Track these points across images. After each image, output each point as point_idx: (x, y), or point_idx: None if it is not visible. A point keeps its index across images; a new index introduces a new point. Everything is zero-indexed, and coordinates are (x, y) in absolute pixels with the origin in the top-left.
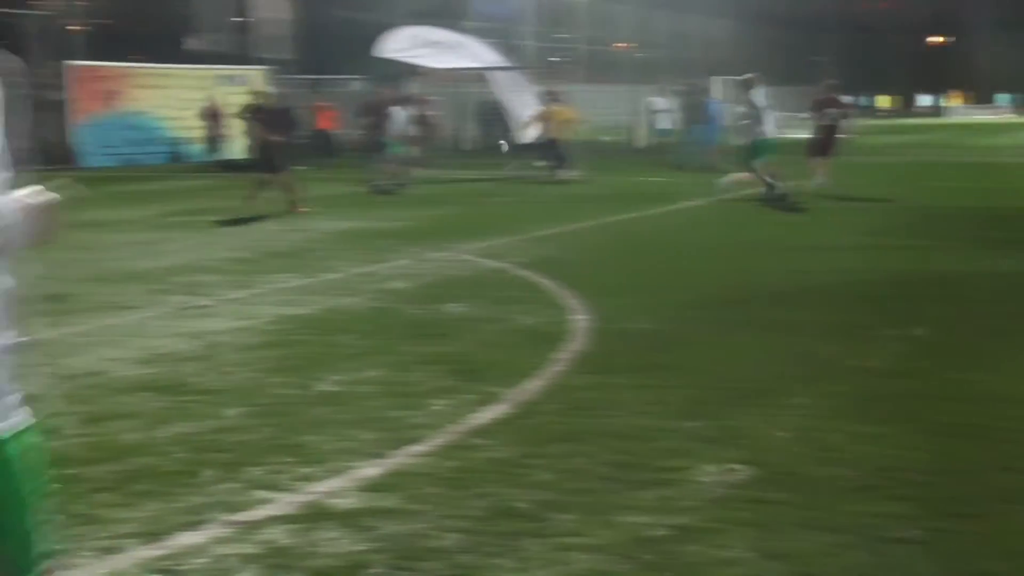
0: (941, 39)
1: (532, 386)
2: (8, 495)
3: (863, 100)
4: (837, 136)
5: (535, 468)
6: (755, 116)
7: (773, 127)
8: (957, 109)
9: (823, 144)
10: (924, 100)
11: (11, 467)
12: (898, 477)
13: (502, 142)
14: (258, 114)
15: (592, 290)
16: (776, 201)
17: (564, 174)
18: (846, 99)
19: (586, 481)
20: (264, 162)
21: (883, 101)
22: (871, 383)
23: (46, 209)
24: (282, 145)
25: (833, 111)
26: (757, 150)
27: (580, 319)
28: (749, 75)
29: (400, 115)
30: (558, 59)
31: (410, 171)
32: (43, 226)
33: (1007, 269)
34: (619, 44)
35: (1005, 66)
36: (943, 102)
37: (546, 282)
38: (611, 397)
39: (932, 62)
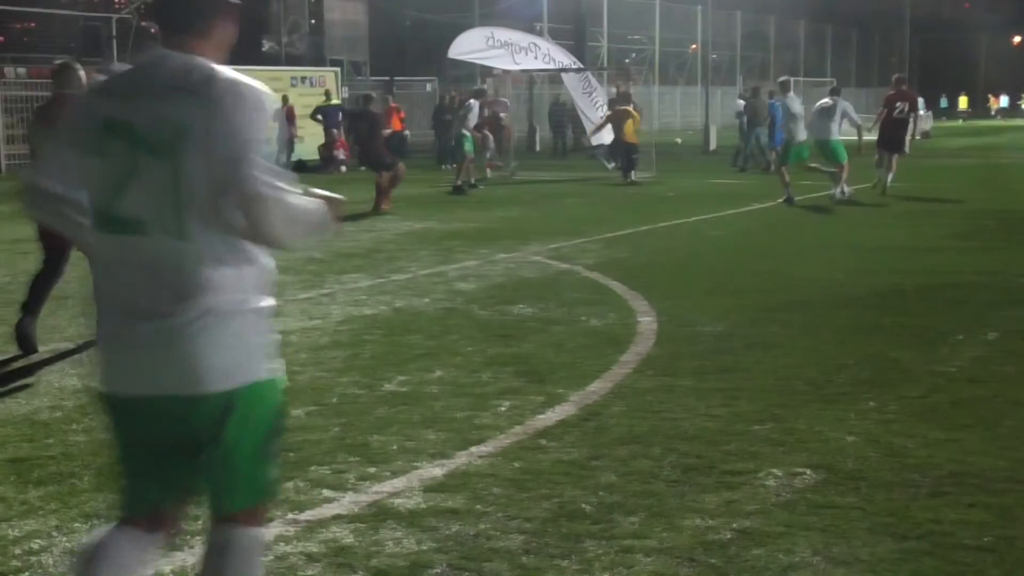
0: (1019, 39)
1: (598, 388)
2: (270, 425)
3: (943, 102)
4: (906, 133)
5: (600, 470)
6: (789, 118)
7: (802, 131)
8: None
9: (891, 139)
10: (1003, 101)
11: (277, 402)
12: (970, 483)
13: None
14: (358, 114)
15: (660, 292)
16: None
17: (636, 175)
18: (919, 99)
19: (651, 483)
20: (373, 161)
21: (963, 102)
22: (944, 387)
23: (335, 207)
24: (384, 143)
25: (902, 104)
26: (788, 151)
27: (648, 321)
28: (784, 78)
29: (476, 109)
30: (630, 61)
31: (485, 171)
32: (332, 222)
33: None
34: (694, 46)
35: None
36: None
37: (614, 284)
38: (678, 399)
39: (1015, 62)
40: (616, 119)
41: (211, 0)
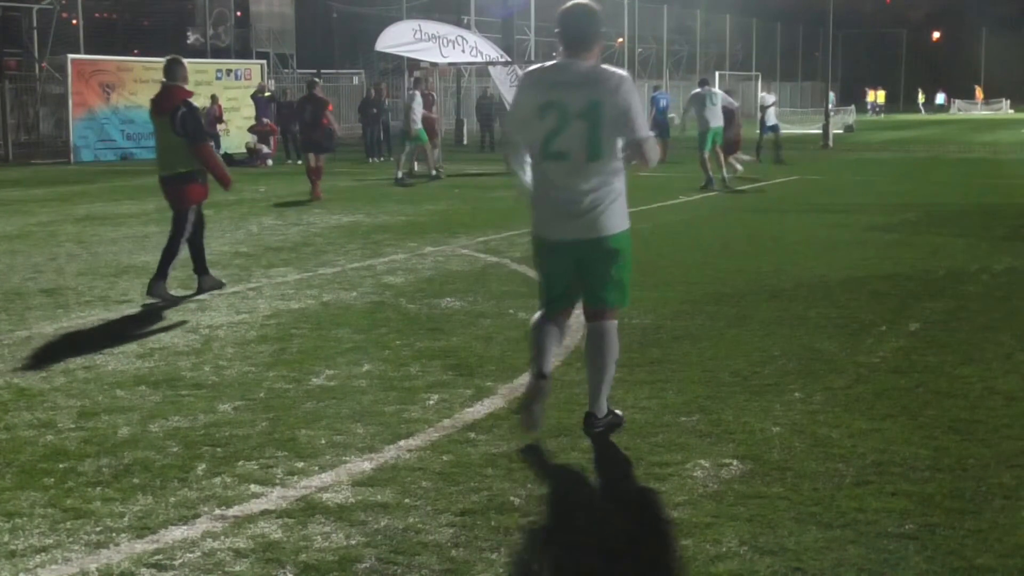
0: (938, 34)
1: (527, 381)
2: (630, 256)
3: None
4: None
5: (529, 463)
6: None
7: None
8: (955, 105)
9: (734, 145)
10: (920, 97)
11: (630, 243)
12: (894, 472)
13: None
14: (303, 98)
15: None
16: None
17: None
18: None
19: (580, 475)
20: (314, 145)
21: (880, 97)
22: (868, 378)
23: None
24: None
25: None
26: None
27: (576, 314)
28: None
29: (419, 98)
30: (557, 54)
31: (412, 165)
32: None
33: (1003, 266)
34: (620, 39)
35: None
36: (920, 99)
37: None
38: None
39: (932, 58)
40: None
41: (597, 34)
